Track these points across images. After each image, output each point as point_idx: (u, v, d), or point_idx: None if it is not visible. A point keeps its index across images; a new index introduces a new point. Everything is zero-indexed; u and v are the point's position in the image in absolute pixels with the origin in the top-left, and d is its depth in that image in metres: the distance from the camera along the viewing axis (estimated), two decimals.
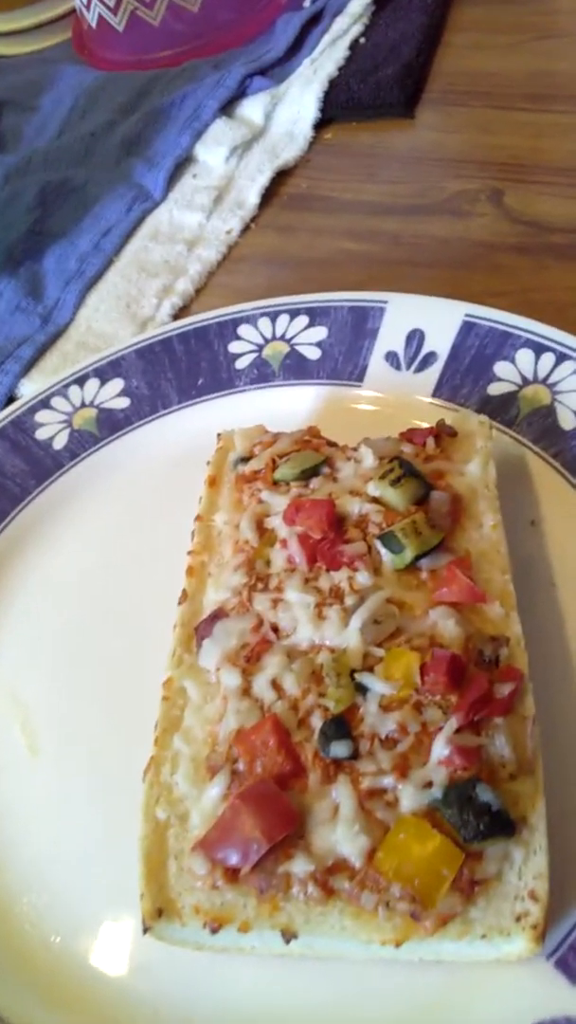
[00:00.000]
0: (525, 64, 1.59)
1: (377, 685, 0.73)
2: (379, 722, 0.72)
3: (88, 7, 1.82)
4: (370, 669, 0.75)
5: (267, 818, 0.68)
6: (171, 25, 1.80)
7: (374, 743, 0.71)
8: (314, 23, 1.76)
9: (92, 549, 1.05)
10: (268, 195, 1.52)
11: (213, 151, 1.60)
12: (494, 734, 0.70)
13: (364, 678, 0.74)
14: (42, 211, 1.60)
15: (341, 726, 0.72)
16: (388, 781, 0.69)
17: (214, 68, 1.72)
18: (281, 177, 1.55)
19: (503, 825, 0.65)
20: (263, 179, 1.53)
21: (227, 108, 1.66)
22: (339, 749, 0.71)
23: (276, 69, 1.71)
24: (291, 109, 1.64)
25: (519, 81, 1.56)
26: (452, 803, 0.66)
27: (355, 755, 0.71)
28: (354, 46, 1.71)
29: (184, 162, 1.61)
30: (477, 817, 0.65)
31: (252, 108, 1.65)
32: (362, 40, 1.72)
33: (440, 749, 0.69)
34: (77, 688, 0.94)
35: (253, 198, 1.51)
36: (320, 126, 1.61)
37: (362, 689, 0.74)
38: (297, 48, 1.73)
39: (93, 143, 1.72)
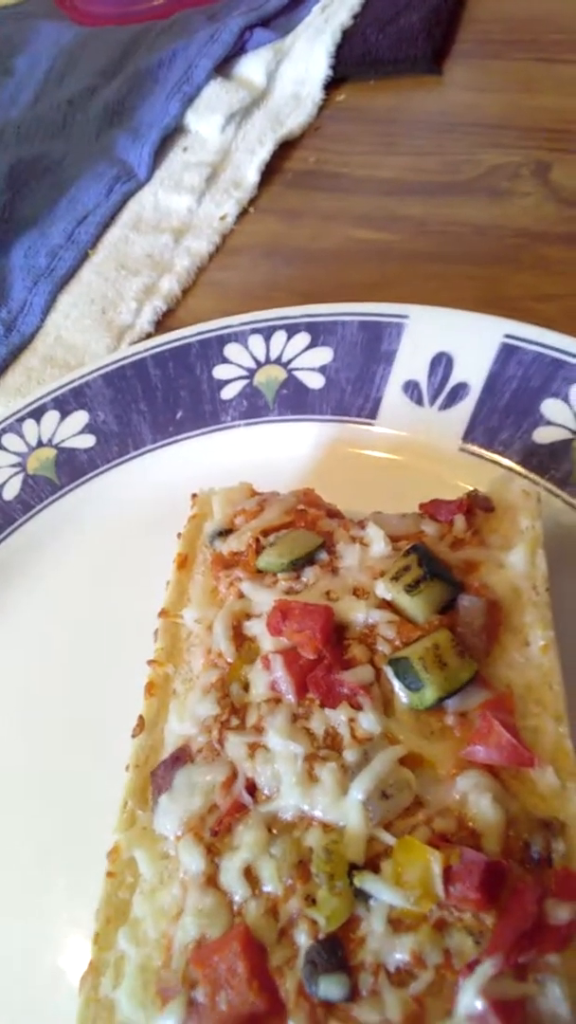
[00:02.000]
0: (575, 4, 1.33)
1: (385, 893, 0.54)
2: (386, 947, 0.52)
3: None
4: (375, 864, 0.55)
5: None
6: None
7: (379, 978, 0.52)
8: None
9: (41, 636, 0.86)
10: (269, 172, 1.29)
11: (207, 119, 1.37)
12: (545, 980, 0.50)
13: (367, 882, 0.54)
14: (12, 194, 1.38)
15: (334, 952, 0.53)
16: None
17: (208, 20, 1.48)
18: (285, 150, 1.32)
19: None
20: (264, 152, 1.30)
21: (223, 67, 1.42)
22: (331, 989, 0.52)
23: (280, 19, 1.46)
24: (298, 67, 1.40)
25: (568, 26, 1.30)
26: None
27: (352, 995, 0.52)
28: None
29: (173, 133, 1.39)
30: None
31: (252, 66, 1.41)
32: None
33: (470, 1001, 0.49)
34: (12, 841, 0.75)
35: (252, 176, 1.28)
36: (331, 86, 1.37)
37: (364, 896, 0.54)
38: None
39: (71, 112, 1.49)
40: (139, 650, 0.73)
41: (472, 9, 1.41)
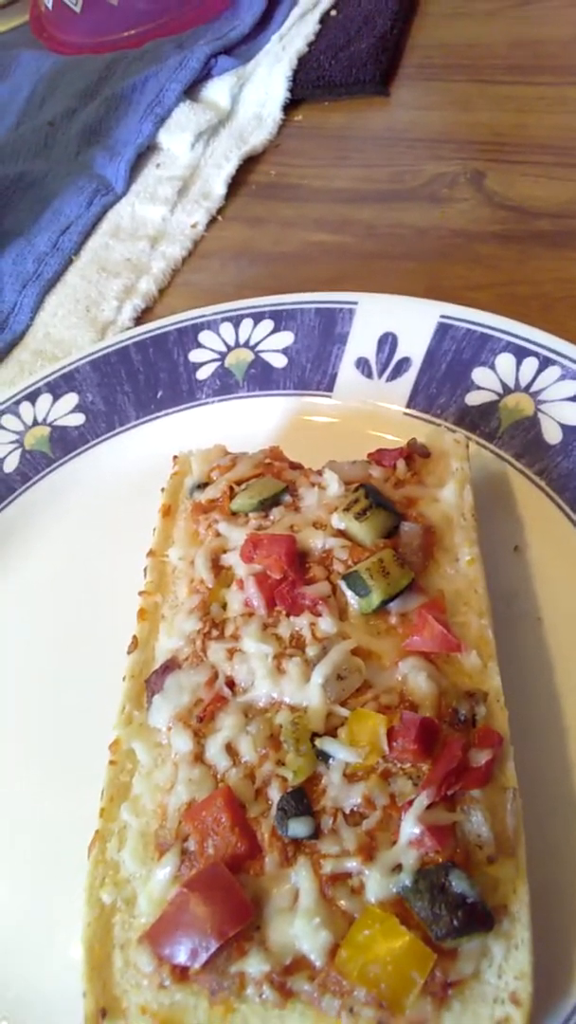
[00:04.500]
0: (507, 32, 1.48)
1: (340, 752, 0.65)
2: (342, 794, 0.64)
3: None
4: (333, 732, 0.67)
5: (218, 911, 0.61)
6: (131, 3, 1.70)
7: (337, 819, 0.64)
8: None
9: (43, 584, 0.98)
10: (235, 184, 1.42)
11: (177, 138, 1.51)
12: (470, 809, 0.62)
13: (326, 744, 0.66)
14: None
15: (301, 800, 0.64)
16: (352, 865, 0.61)
17: (177, 48, 1.62)
18: (249, 164, 1.45)
19: (480, 919, 0.58)
20: (230, 167, 1.44)
21: (191, 91, 1.56)
22: (299, 828, 0.63)
23: (242, 47, 1.60)
24: (259, 90, 1.54)
25: (501, 51, 1.45)
26: (423, 893, 0.58)
27: (316, 833, 0.63)
28: (325, 19, 1.61)
29: (147, 151, 1.52)
30: (451, 911, 0.57)
31: (218, 90, 1.55)
32: (333, 12, 1.62)
33: (410, 828, 0.61)
34: (22, 744, 0.86)
35: (219, 188, 1.42)
36: (290, 107, 1.51)
37: (324, 756, 0.66)
38: (265, 24, 1.63)
39: (52, 133, 1.62)
40: (132, 586, 0.85)
41: (415, 37, 1.56)
